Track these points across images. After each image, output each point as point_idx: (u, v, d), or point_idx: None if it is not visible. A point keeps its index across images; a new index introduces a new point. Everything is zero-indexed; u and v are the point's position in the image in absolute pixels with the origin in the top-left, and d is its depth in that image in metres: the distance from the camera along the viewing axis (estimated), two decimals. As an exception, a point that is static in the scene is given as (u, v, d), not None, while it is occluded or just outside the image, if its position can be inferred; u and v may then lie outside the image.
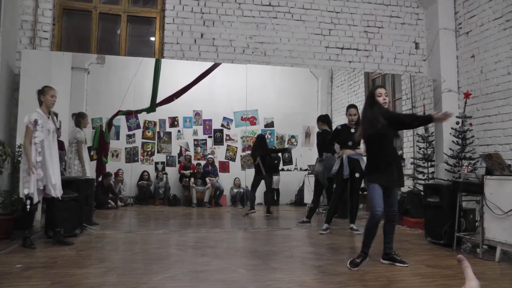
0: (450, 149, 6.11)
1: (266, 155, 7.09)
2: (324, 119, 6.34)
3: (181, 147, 7.58)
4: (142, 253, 4.19)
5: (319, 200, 6.35)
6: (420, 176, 6.44)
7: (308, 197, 6.91)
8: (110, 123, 6.76)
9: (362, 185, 5.48)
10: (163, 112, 7.15)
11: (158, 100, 6.78)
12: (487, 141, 5.93)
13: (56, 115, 5.78)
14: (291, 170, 7.72)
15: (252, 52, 6.53)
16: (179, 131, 7.52)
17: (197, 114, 7.57)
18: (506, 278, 3.52)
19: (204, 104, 7.52)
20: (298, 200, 7.73)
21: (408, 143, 7.09)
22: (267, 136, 7.63)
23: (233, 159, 7.69)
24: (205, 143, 7.63)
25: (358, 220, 5.72)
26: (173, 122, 7.48)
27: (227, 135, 7.60)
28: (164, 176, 7.47)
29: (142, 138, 7.27)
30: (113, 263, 3.66)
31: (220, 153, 7.67)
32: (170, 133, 7.48)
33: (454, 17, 6.72)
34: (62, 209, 4.70)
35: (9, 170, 4.88)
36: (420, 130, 6.65)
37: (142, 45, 6.94)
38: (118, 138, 6.92)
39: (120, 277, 3.19)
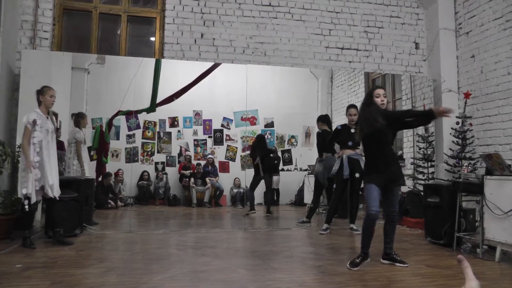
0: (450, 149, 6.11)
1: (265, 156, 7.09)
2: (324, 119, 6.34)
3: (181, 147, 7.58)
4: (142, 253, 4.19)
5: (319, 200, 6.35)
6: (420, 176, 6.44)
7: (308, 197, 6.91)
8: (110, 123, 6.76)
9: (362, 185, 5.48)
10: (163, 112, 7.15)
11: (158, 100, 6.78)
12: (487, 141, 5.93)
13: (56, 115, 5.79)
14: (291, 170, 7.72)
15: (252, 52, 6.53)
16: (179, 131, 7.52)
17: (197, 114, 7.57)
18: (506, 278, 3.52)
19: (204, 104, 7.52)
20: (298, 200, 7.73)
21: (408, 143, 7.09)
22: (267, 136, 7.62)
23: (233, 159, 7.69)
24: (205, 143, 7.63)
25: (358, 220, 5.70)
26: (173, 122, 7.48)
27: (227, 135, 7.60)
28: (164, 176, 7.47)
29: (142, 138, 7.27)
30: (113, 263, 3.66)
31: (220, 153, 7.67)
32: (170, 133, 7.48)
33: (454, 17, 6.72)
34: (62, 209, 4.70)
35: (9, 170, 4.88)
36: (420, 130, 6.65)
37: (142, 45, 6.94)
38: (118, 138, 6.92)
39: (120, 277, 3.19)
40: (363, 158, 5.26)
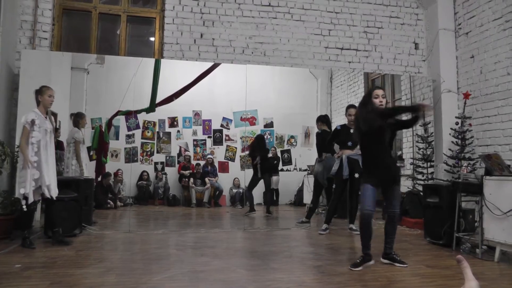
0: (450, 149, 6.12)
1: (265, 156, 7.10)
2: (323, 119, 6.34)
3: (180, 147, 7.58)
4: (142, 253, 4.19)
5: (318, 200, 6.36)
6: (420, 176, 6.44)
7: (308, 197, 6.91)
8: (109, 123, 6.75)
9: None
10: (162, 112, 7.15)
11: (158, 100, 6.77)
12: (486, 141, 5.93)
13: (56, 115, 5.79)
14: (290, 171, 7.72)
15: (252, 52, 6.54)
16: (178, 131, 7.52)
17: (197, 114, 7.57)
18: (505, 278, 3.53)
19: (203, 104, 7.52)
20: (298, 200, 7.73)
21: (408, 143, 7.10)
22: (267, 137, 7.63)
23: (233, 159, 7.68)
24: (205, 143, 7.63)
25: (358, 220, 5.71)
26: (173, 122, 7.48)
27: (226, 135, 7.60)
28: (164, 176, 7.47)
29: (142, 138, 7.26)
30: (112, 263, 3.66)
31: (219, 153, 7.66)
32: (169, 133, 7.48)
33: (453, 18, 6.72)
34: (61, 209, 4.70)
35: (8, 170, 4.88)
36: (420, 130, 6.66)
37: (141, 45, 6.94)
38: (117, 138, 6.92)
39: (119, 277, 3.19)
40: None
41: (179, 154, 7.58)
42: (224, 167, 7.70)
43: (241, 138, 7.62)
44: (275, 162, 7.58)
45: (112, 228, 5.76)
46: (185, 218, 7.10)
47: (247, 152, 7.46)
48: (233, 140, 7.63)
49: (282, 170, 7.64)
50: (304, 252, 4.49)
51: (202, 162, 7.62)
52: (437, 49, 6.75)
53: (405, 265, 3.70)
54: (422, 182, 6.16)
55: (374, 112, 3.60)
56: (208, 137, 7.61)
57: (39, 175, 4.28)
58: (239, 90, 6.44)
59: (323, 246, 4.70)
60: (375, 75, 7.20)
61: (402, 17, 7.11)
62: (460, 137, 5.96)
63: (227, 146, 7.63)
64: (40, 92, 4.45)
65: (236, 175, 7.65)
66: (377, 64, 6.98)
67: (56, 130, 5.77)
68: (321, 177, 6.05)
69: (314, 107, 7.77)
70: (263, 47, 6.58)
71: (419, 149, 6.60)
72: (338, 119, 7.14)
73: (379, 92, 3.71)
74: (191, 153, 7.59)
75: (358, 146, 5.25)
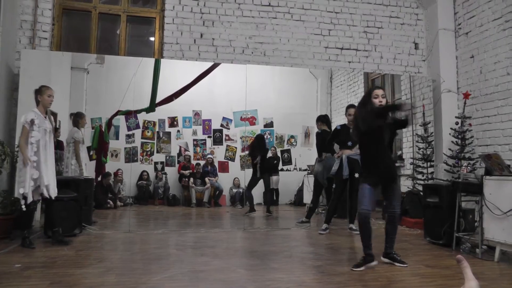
0: (450, 149, 6.12)
1: (265, 156, 7.11)
2: (323, 119, 6.34)
3: (180, 147, 7.58)
4: (141, 253, 4.19)
5: (318, 200, 6.36)
6: (420, 176, 6.44)
7: (308, 197, 6.91)
8: (109, 123, 6.75)
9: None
10: (162, 112, 7.15)
11: (158, 100, 6.77)
12: (486, 141, 5.93)
13: (56, 115, 5.79)
14: (290, 170, 7.72)
15: (252, 52, 6.53)
16: (178, 131, 7.52)
17: (197, 114, 7.57)
18: (505, 278, 3.53)
19: (203, 104, 7.52)
20: (298, 200, 7.73)
21: (408, 143, 7.10)
22: (267, 136, 7.63)
23: (233, 159, 7.68)
24: (205, 143, 7.63)
25: (358, 220, 5.71)
26: (173, 122, 7.48)
27: (226, 135, 7.60)
28: (164, 176, 7.47)
29: (142, 138, 7.26)
30: (112, 263, 3.66)
31: (219, 153, 7.66)
32: (169, 133, 7.48)
33: (453, 18, 6.72)
34: (61, 209, 4.70)
35: (8, 170, 4.88)
36: (420, 130, 6.66)
37: (141, 45, 6.94)
38: (117, 138, 6.92)
39: (119, 277, 3.19)
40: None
41: (179, 154, 7.58)
42: (224, 167, 7.70)
43: (241, 138, 7.62)
44: (275, 162, 7.58)
45: (112, 228, 5.76)
46: (185, 218, 7.10)
47: (247, 152, 7.46)
48: (233, 140, 7.63)
49: (282, 170, 7.64)
50: (304, 252, 4.49)
51: (202, 162, 7.62)
52: (437, 49, 6.75)
53: (405, 265, 3.70)
54: (422, 182, 6.17)
55: (373, 112, 3.61)
56: (208, 137, 7.61)
57: (38, 175, 4.28)
58: (239, 90, 6.44)
59: (323, 246, 4.70)
60: (375, 75, 7.21)
61: (402, 17, 7.11)
62: (460, 137, 5.96)
63: (227, 146, 7.63)
64: (40, 92, 4.44)
65: (236, 175, 7.65)
66: (377, 64, 6.98)
67: (56, 130, 5.77)
68: (321, 177, 6.05)
69: (314, 107, 7.77)
70: (263, 47, 6.58)
71: (419, 149, 6.60)
72: (338, 119, 7.15)
73: (379, 92, 3.71)
74: (191, 153, 7.59)
75: (357, 146, 5.28)
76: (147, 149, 7.35)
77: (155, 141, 7.39)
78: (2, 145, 4.86)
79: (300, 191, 7.71)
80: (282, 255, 4.13)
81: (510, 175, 4.01)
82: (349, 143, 5.51)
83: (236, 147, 7.67)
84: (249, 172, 7.04)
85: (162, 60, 6.30)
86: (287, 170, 7.70)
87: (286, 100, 7.77)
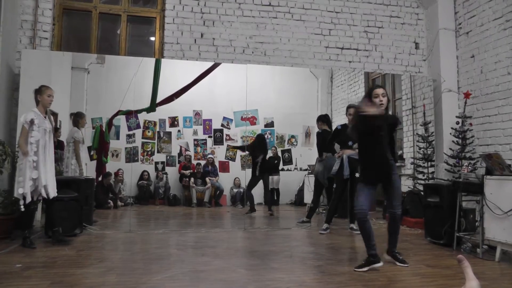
0: (450, 149, 6.11)
1: (265, 156, 7.11)
2: (324, 119, 6.33)
3: (181, 147, 7.58)
4: (142, 253, 4.19)
5: (319, 200, 6.35)
6: (420, 176, 6.44)
7: (308, 197, 6.91)
8: (110, 123, 6.76)
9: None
10: (163, 112, 7.15)
11: (158, 100, 6.78)
12: (487, 141, 5.93)
13: (56, 115, 5.79)
14: (291, 170, 7.73)
15: (252, 52, 6.53)
16: (179, 131, 7.52)
17: (197, 114, 7.57)
18: (506, 278, 3.52)
19: (204, 104, 7.52)
20: (298, 200, 7.73)
21: (408, 143, 7.10)
22: (267, 136, 7.63)
23: (233, 159, 7.69)
24: (205, 143, 7.63)
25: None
26: (173, 122, 7.48)
27: (227, 135, 7.60)
28: (164, 176, 7.47)
29: (142, 138, 7.27)
30: (113, 263, 3.66)
31: (220, 153, 7.67)
32: (170, 133, 7.49)
33: (454, 17, 6.71)
34: (61, 209, 4.70)
35: (9, 170, 4.88)
36: (420, 130, 6.66)
37: (142, 45, 6.94)
38: (118, 138, 6.93)
39: (119, 277, 3.19)
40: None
41: (180, 154, 7.58)
42: (224, 167, 7.70)
43: (241, 137, 7.63)
44: (276, 161, 7.59)
45: (112, 228, 5.76)
46: (186, 218, 7.10)
47: (247, 152, 7.46)
48: (233, 139, 7.63)
49: (282, 169, 7.65)
50: (304, 251, 4.49)
51: (202, 162, 7.63)
52: (438, 49, 6.75)
53: (406, 265, 3.69)
54: (422, 182, 6.16)
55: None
56: (209, 136, 7.62)
57: (37, 175, 4.28)
58: (239, 90, 6.43)
59: (323, 246, 4.70)
60: (375, 74, 7.20)
61: (403, 16, 7.10)
62: (460, 136, 5.96)
63: (228, 145, 7.64)
64: (39, 91, 4.44)
65: (237, 174, 7.66)
66: (377, 64, 6.97)
67: (57, 130, 5.78)
68: (322, 176, 6.04)
69: (314, 107, 7.78)
70: (263, 46, 6.58)
71: (420, 148, 6.60)
72: (339, 119, 7.15)
73: (379, 91, 3.69)
74: (191, 152, 7.60)
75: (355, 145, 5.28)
76: (148, 149, 7.35)
77: (155, 141, 7.39)
78: (3, 145, 4.86)
79: (300, 191, 7.71)
80: (282, 255, 4.13)
81: (511, 174, 4.00)
82: (350, 143, 5.51)
83: (236, 148, 7.69)
84: (249, 172, 7.04)
85: (162, 60, 6.30)
86: (287, 170, 7.70)
87: (287, 100, 7.77)
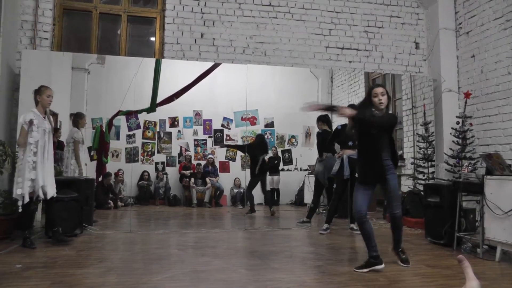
0: (450, 149, 6.11)
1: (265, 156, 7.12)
2: (324, 119, 6.32)
3: (181, 147, 7.58)
4: (142, 253, 4.19)
5: (319, 200, 6.35)
6: (420, 176, 6.44)
7: (308, 197, 6.91)
8: (110, 123, 6.76)
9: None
10: (163, 112, 7.16)
11: (158, 100, 6.78)
12: (487, 141, 5.92)
13: (56, 115, 5.80)
14: (291, 170, 7.72)
15: (252, 52, 6.53)
16: (179, 131, 7.53)
17: (197, 114, 7.57)
18: (506, 278, 3.52)
19: (204, 104, 7.52)
20: (298, 200, 7.73)
21: (408, 143, 7.09)
22: (267, 136, 7.63)
23: (233, 159, 7.69)
24: (205, 143, 7.63)
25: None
26: (173, 122, 7.48)
27: (227, 135, 7.60)
28: (164, 176, 7.48)
29: (142, 138, 7.27)
30: (113, 263, 3.66)
31: (220, 153, 7.67)
32: (170, 133, 7.49)
33: (454, 17, 6.71)
34: (62, 209, 4.70)
35: (9, 170, 4.87)
36: (421, 130, 6.66)
37: (142, 45, 6.94)
38: (118, 138, 6.93)
39: (120, 277, 3.19)
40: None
41: (180, 154, 7.58)
42: (224, 167, 7.70)
43: (241, 138, 7.63)
44: (276, 162, 7.59)
45: (113, 228, 5.76)
46: (186, 218, 7.10)
47: (246, 154, 7.46)
48: (234, 140, 7.63)
49: (283, 170, 7.65)
50: (304, 252, 4.49)
51: (202, 162, 7.63)
52: (438, 49, 6.74)
53: (407, 265, 3.69)
54: (423, 182, 6.16)
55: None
56: (209, 137, 7.62)
57: (36, 176, 4.28)
58: (239, 90, 6.43)
59: (323, 246, 4.70)
60: (375, 74, 7.20)
61: (403, 16, 7.10)
62: (461, 136, 5.96)
63: (223, 144, 7.64)
64: (39, 92, 4.44)
65: (237, 175, 7.66)
66: (377, 64, 6.97)
67: (57, 131, 5.78)
68: (322, 177, 6.04)
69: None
70: (263, 47, 6.58)
71: (420, 148, 6.59)
72: (339, 119, 7.13)
73: (378, 90, 3.66)
74: (191, 153, 7.60)
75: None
76: (148, 149, 7.35)
77: (156, 141, 7.40)
78: (3, 145, 4.86)
79: (301, 191, 7.71)
80: (282, 255, 4.13)
81: (511, 174, 4.00)
82: (350, 143, 5.51)
83: (236, 148, 7.69)
84: (249, 172, 7.04)
85: (162, 60, 6.30)
86: (288, 170, 7.70)
87: (287, 100, 7.76)
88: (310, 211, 6.23)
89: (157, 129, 7.39)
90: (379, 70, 7.02)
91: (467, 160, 5.80)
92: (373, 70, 7.03)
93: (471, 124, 6.04)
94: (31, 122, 4.29)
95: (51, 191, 4.42)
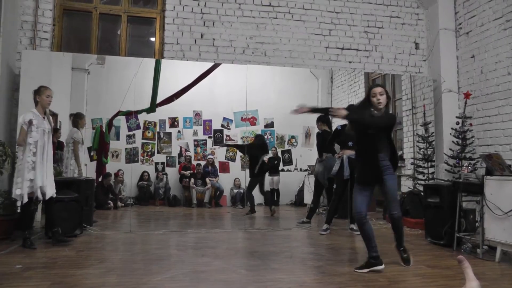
0: (450, 149, 6.11)
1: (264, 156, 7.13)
2: (324, 120, 6.32)
3: (181, 147, 7.58)
4: (142, 254, 4.19)
5: (319, 200, 6.35)
6: (420, 176, 6.44)
7: (308, 198, 6.91)
8: (110, 123, 6.76)
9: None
10: (163, 113, 7.15)
11: (158, 100, 6.78)
12: (487, 141, 5.92)
13: (56, 115, 5.79)
14: (291, 171, 7.72)
15: (252, 53, 6.53)
16: (179, 131, 7.52)
17: (197, 114, 7.57)
18: (506, 278, 3.52)
19: (204, 104, 7.52)
20: (298, 201, 7.73)
21: (408, 143, 7.10)
22: (267, 137, 7.63)
23: (233, 160, 7.69)
24: (205, 144, 7.63)
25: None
26: (173, 122, 7.48)
27: (227, 135, 7.60)
28: (164, 176, 7.47)
29: (142, 138, 7.27)
30: (113, 264, 3.66)
31: (220, 154, 7.67)
32: (170, 133, 7.49)
33: (454, 17, 6.71)
34: (62, 210, 4.70)
35: (9, 170, 4.88)
36: (420, 130, 6.66)
37: (142, 46, 6.94)
38: (118, 139, 6.93)
39: (120, 278, 3.19)
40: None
41: (180, 155, 7.58)
42: (224, 168, 7.70)
43: (241, 138, 7.62)
44: (276, 162, 7.59)
45: (112, 228, 5.76)
46: (186, 219, 7.10)
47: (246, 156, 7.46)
48: (233, 140, 7.63)
49: (282, 170, 7.64)
50: (304, 252, 4.49)
51: (202, 163, 7.63)
52: (438, 49, 6.75)
53: (406, 265, 3.69)
54: (422, 182, 6.16)
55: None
56: (209, 137, 7.62)
57: (34, 176, 4.28)
58: (239, 90, 6.44)
59: (323, 247, 4.70)
60: (375, 75, 7.20)
61: (403, 17, 7.10)
62: (460, 137, 5.96)
63: (224, 144, 7.64)
64: (38, 92, 4.45)
65: (237, 175, 7.66)
66: (377, 64, 6.97)
67: (57, 131, 5.78)
68: (322, 177, 6.04)
69: (314, 107, 7.76)
70: (263, 47, 6.58)
71: (420, 149, 6.59)
72: (339, 119, 7.13)
73: (376, 90, 3.64)
74: (191, 153, 7.60)
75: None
76: (148, 150, 7.35)
77: (155, 142, 7.40)
78: (3, 145, 4.86)
79: (300, 192, 7.71)
80: (282, 256, 4.13)
81: (511, 175, 4.00)
82: (350, 143, 5.51)
83: (236, 148, 7.68)
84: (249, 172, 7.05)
85: (162, 60, 6.30)
86: (287, 170, 7.70)
87: (287, 100, 7.72)
88: (310, 211, 6.23)
89: (157, 129, 7.39)
90: (379, 70, 7.02)
91: (467, 161, 5.80)
92: (373, 71, 7.03)
93: (471, 125, 6.04)
94: (30, 122, 4.29)
95: (50, 191, 4.41)
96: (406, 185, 6.68)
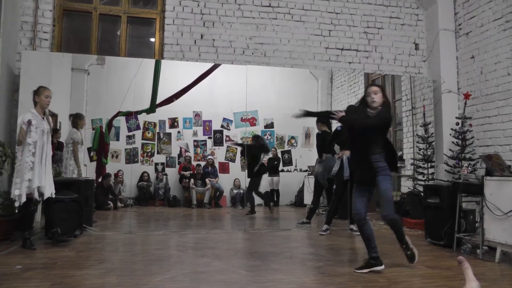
0: (450, 150, 6.11)
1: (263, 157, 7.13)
2: (323, 120, 6.33)
3: (181, 148, 7.58)
4: (142, 254, 4.19)
5: (319, 201, 6.35)
6: (420, 177, 6.44)
7: (308, 198, 6.91)
8: (110, 124, 6.76)
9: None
10: (163, 113, 7.16)
11: (158, 101, 6.78)
12: (487, 142, 5.93)
13: (56, 116, 5.80)
14: (291, 171, 7.72)
15: (252, 53, 6.53)
16: (179, 132, 7.53)
17: (197, 115, 7.57)
18: (506, 279, 3.52)
19: (204, 105, 7.53)
20: (298, 201, 7.73)
21: (408, 144, 7.10)
22: (267, 137, 7.63)
23: (233, 160, 7.69)
24: (205, 144, 7.63)
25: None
26: (173, 123, 7.48)
27: (227, 136, 7.60)
28: (164, 177, 7.47)
29: (142, 139, 7.27)
30: (113, 264, 3.66)
31: (220, 154, 7.67)
32: (170, 134, 7.49)
33: (454, 18, 6.72)
34: (62, 210, 4.70)
35: (9, 171, 4.88)
36: (420, 131, 6.66)
37: (142, 46, 6.94)
38: (118, 139, 6.93)
39: (120, 278, 3.19)
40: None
41: (180, 155, 7.58)
42: (224, 168, 7.70)
43: (241, 138, 7.62)
44: (275, 162, 7.59)
45: (112, 229, 5.76)
46: (186, 219, 7.10)
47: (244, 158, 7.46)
48: (233, 141, 7.63)
49: (282, 170, 7.64)
50: (304, 253, 4.49)
51: (202, 163, 7.63)
52: (438, 50, 6.75)
53: (410, 263, 3.68)
54: (422, 183, 6.16)
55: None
56: (209, 137, 7.62)
57: (32, 176, 4.28)
58: (239, 91, 6.44)
59: (323, 247, 4.70)
60: (375, 75, 7.20)
61: (403, 17, 7.11)
62: (460, 137, 5.96)
63: (228, 146, 7.64)
64: (37, 92, 4.45)
65: (237, 176, 7.66)
66: (377, 65, 6.97)
67: (57, 131, 5.78)
68: (322, 177, 6.04)
69: (314, 108, 7.77)
70: (263, 47, 6.58)
71: (420, 149, 6.59)
72: (339, 120, 7.13)
73: (370, 89, 3.63)
74: (191, 154, 7.60)
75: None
76: (148, 150, 7.35)
77: (155, 142, 7.40)
78: (3, 146, 4.86)
79: (300, 192, 7.71)
80: (282, 256, 4.13)
81: (511, 175, 4.00)
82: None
83: (236, 148, 7.67)
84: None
85: (162, 61, 6.31)
86: (287, 171, 7.70)
87: (287, 100, 7.76)
88: (310, 212, 6.23)
89: (157, 130, 7.39)
90: (378, 71, 7.02)
91: (467, 161, 5.80)
92: (372, 71, 7.04)
93: (470, 125, 6.05)
94: (29, 123, 4.29)
95: (49, 191, 4.41)
96: (406, 185, 6.68)
